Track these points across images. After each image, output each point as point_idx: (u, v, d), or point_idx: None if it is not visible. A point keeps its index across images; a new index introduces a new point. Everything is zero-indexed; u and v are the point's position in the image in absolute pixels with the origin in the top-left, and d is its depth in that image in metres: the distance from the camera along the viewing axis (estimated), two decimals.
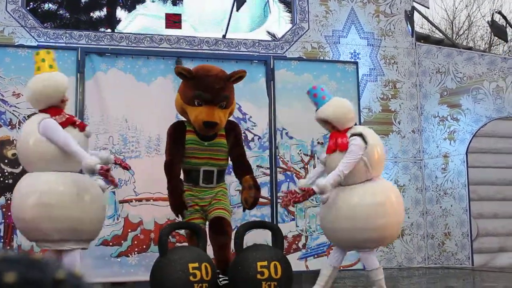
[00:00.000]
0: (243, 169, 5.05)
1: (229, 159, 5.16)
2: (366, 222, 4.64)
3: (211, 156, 4.93)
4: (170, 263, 4.41)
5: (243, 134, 5.69)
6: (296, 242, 6.53)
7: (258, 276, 4.47)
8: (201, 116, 4.78)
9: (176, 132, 5.00)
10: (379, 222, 4.66)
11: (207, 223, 4.98)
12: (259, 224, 4.85)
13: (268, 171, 6.56)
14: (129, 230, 6.11)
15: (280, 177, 6.61)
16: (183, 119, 5.22)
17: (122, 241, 6.08)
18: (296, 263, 6.46)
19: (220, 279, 4.73)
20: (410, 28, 8.55)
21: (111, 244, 6.05)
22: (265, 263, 4.53)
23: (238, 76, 5.06)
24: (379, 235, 4.75)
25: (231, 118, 5.29)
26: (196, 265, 4.35)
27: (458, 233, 7.90)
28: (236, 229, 5.07)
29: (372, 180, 4.82)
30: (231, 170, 5.42)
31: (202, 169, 4.89)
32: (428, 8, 9.23)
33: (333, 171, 4.67)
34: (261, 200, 6.40)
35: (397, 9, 8.56)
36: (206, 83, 4.86)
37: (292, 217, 6.57)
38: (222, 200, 4.96)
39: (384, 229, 4.74)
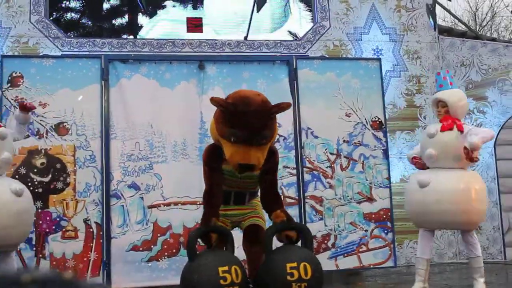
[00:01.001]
0: (272, 199, 4.58)
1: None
2: (473, 204, 5.17)
3: (245, 186, 4.59)
4: (200, 267, 4.37)
5: None
6: (325, 242, 6.51)
7: (288, 277, 4.42)
8: (237, 157, 4.11)
9: (212, 161, 4.47)
10: (483, 205, 5.33)
11: (242, 230, 4.83)
12: (287, 226, 4.74)
13: (294, 171, 6.54)
14: (159, 235, 6.14)
15: (307, 177, 6.59)
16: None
17: (152, 246, 6.11)
18: (326, 262, 6.44)
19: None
20: (432, 22, 8.46)
21: (141, 249, 6.09)
22: (294, 264, 4.47)
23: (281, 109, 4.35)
24: (479, 218, 5.43)
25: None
26: (226, 268, 4.30)
27: (489, 227, 7.81)
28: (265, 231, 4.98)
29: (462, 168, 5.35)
30: None
31: (233, 191, 4.58)
32: (450, 0, 9.14)
33: (475, 135, 5.10)
34: (288, 200, 6.42)
35: (419, 3, 8.48)
36: (244, 121, 4.09)
37: (321, 216, 6.55)
38: (257, 209, 4.79)
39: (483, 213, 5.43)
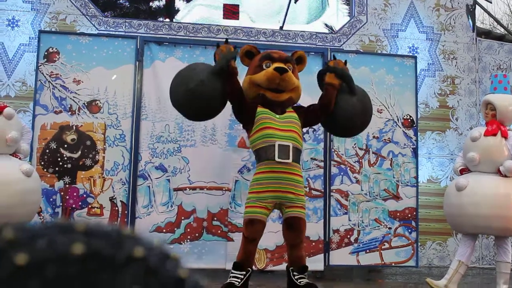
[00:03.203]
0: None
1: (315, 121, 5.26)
2: (499, 210, 5.14)
3: (285, 128, 4.78)
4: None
5: None
6: (348, 236, 6.49)
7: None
8: (272, 69, 4.82)
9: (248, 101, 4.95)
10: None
11: (282, 219, 4.90)
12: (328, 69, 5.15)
13: (322, 164, 6.52)
14: (182, 218, 6.17)
15: (334, 170, 6.57)
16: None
17: (175, 229, 6.15)
18: (348, 257, 6.43)
19: (297, 278, 4.73)
20: (471, 23, 8.35)
21: (164, 231, 6.13)
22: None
23: (298, 56, 5.19)
24: None
25: None
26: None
27: None
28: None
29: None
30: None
31: (277, 143, 4.70)
32: (491, 2, 9.00)
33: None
34: (314, 192, 6.41)
35: (458, 3, 8.37)
36: (273, 51, 5.15)
37: (345, 211, 6.52)
38: (301, 196, 4.88)
39: None
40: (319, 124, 6.55)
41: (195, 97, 4.73)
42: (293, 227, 4.76)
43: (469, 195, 5.21)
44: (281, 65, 4.85)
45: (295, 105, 5.16)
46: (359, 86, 5.24)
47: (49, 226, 0.62)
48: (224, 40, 5.15)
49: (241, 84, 4.96)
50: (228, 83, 4.79)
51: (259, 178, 4.76)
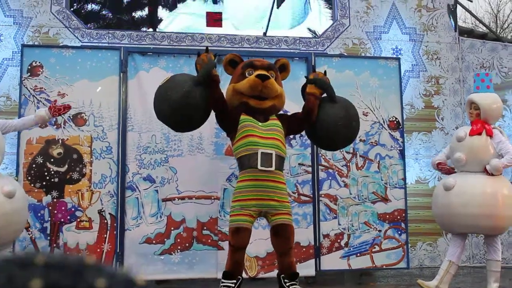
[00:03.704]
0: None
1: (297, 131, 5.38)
2: (500, 209, 5.20)
3: (268, 135, 4.80)
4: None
5: None
6: (338, 241, 6.49)
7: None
8: (253, 75, 4.85)
9: (231, 109, 4.98)
10: (510, 210, 5.29)
11: (270, 225, 4.90)
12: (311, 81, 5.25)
13: (309, 169, 6.52)
14: (172, 228, 6.16)
15: (322, 175, 6.57)
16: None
17: (165, 239, 6.13)
18: (339, 261, 6.43)
19: (288, 285, 4.74)
20: (453, 23, 8.40)
21: (154, 242, 6.10)
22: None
23: (281, 64, 5.23)
24: (506, 223, 5.39)
25: None
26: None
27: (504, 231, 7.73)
28: None
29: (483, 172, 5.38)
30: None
31: (260, 151, 4.71)
32: (471, 1, 9.07)
33: (502, 159, 5.24)
34: (303, 198, 6.41)
35: (440, 3, 8.42)
36: (255, 59, 5.21)
37: (334, 215, 6.53)
38: (286, 202, 4.90)
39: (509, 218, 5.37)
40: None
41: (180, 108, 4.74)
42: (280, 234, 4.77)
43: (457, 195, 5.25)
44: (263, 72, 4.88)
45: (279, 112, 5.18)
46: (342, 96, 5.30)
47: (9, 260, 0.61)
48: (205, 48, 5.17)
49: (224, 93, 4.98)
50: (210, 92, 4.80)
51: (242, 187, 4.78)
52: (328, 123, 5.03)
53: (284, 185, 4.91)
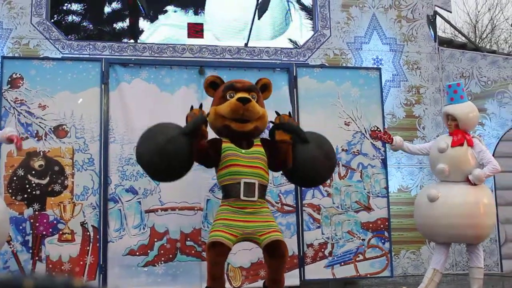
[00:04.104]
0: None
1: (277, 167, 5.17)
2: (482, 218, 5.32)
3: (251, 164, 4.79)
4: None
5: None
6: (322, 250, 6.50)
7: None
8: (234, 99, 4.84)
9: (211, 142, 4.94)
10: (491, 219, 5.47)
11: (261, 246, 4.84)
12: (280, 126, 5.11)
13: None
14: (155, 240, 6.12)
15: None
16: None
17: (149, 251, 6.09)
18: (323, 271, 6.43)
19: None
20: (432, 33, 8.49)
21: (137, 253, 6.06)
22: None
23: (263, 84, 5.21)
24: (487, 232, 5.56)
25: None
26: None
27: (486, 239, 7.80)
28: None
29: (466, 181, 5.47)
30: None
31: (243, 180, 4.72)
32: (451, 12, 9.16)
33: (484, 168, 5.37)
34: (286, 208, 6.41)
35: (419, 14, 8.51)
36: (236, 80, 5.17)
37: (318, 224, 6.53)
38: (272, 222, 4.87)
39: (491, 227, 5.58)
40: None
41: (163, 153, 4.72)
42: (276, 254, 4.71)
43: (439, 206, 5.29)
44: (245, 94, 4.87)
45: (264, 137, 5.17)
46: (312, 131, 5.23)
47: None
48: (199, 104, 5.11)
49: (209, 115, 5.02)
50: (194, 145, 4.77)
51: (226, 209, 4.79)
52: (306, 166, 5.00)
53: (267, 209, 4.97)
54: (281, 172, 5.49)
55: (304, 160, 4.98)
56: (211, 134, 5.09)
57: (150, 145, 4.81)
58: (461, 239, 5.58)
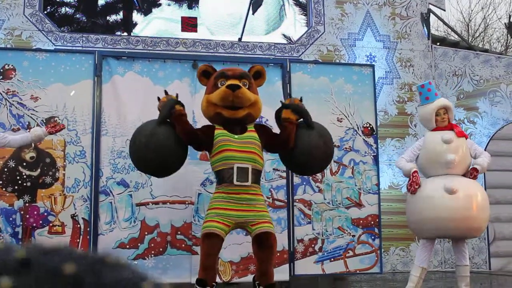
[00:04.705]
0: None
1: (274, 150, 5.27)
2: (485, 211, 5.31)
3: (244, 149, 4.78)
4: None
5: None
6: (313, 246, 6.51)
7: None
8: (224, 86, 4.84)
9: (204, 127, 4.98)
10: (486, 212, 5.38)
11: (251, 235, 4.85)
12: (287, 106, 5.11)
13: (284, 174, 6.54)
14: (146, 233, 6.12)
15: (297, 180, 6.59)
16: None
17: (139, 244, 6.09)
18: (313, 266, 6.45)
19: None
20: (426, 31, 8.51)
21: (128, 247, 6.06)
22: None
23: (256, 71, 5.18)
24: (486, 225, 5.55)
25: None
26: None
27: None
28: None
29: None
30: None
31: (236, 165, 4.72)
32: (444, 10, 9.19)
33: (483, 158, 5.37)
34: (277, 203, 6.42)
35: (413, 11, 8.53)
36: (227, 68, 5.21)
37: (309, 220, 6.55)
38: (265, 212, 4.89)
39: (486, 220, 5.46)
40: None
41: (148, 150, 4.76)
42: (264, 244, 4.73)
43: (455, 198, 5.20)
44: (235, 82, 4.86)
45: (258, 123, 5.19)
46: (317, 122, 5.24)
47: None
48: (164, 91, 5.10)
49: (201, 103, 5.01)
50: (177, 128, 4.80)
51: (219, 197, 4.79)
52: (306, 152, 5.00)
53: (261, 197, 4.94)
54: (277, 154, 5.47)
55: (304, 145, 4.99)
56: (205, 122, 5.11)
57: (138, 148, 4.85)
58: (464, 232, 5.43)
